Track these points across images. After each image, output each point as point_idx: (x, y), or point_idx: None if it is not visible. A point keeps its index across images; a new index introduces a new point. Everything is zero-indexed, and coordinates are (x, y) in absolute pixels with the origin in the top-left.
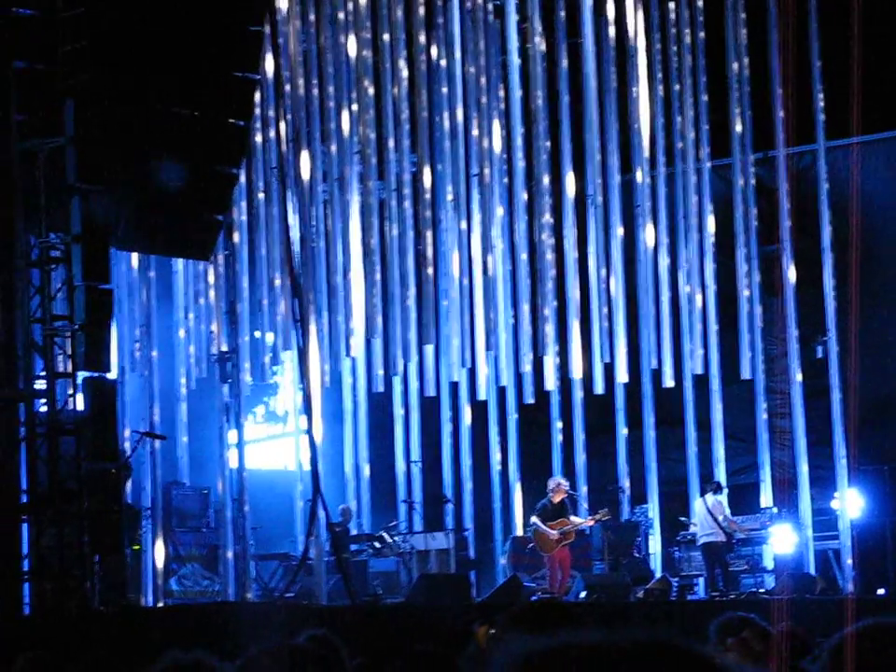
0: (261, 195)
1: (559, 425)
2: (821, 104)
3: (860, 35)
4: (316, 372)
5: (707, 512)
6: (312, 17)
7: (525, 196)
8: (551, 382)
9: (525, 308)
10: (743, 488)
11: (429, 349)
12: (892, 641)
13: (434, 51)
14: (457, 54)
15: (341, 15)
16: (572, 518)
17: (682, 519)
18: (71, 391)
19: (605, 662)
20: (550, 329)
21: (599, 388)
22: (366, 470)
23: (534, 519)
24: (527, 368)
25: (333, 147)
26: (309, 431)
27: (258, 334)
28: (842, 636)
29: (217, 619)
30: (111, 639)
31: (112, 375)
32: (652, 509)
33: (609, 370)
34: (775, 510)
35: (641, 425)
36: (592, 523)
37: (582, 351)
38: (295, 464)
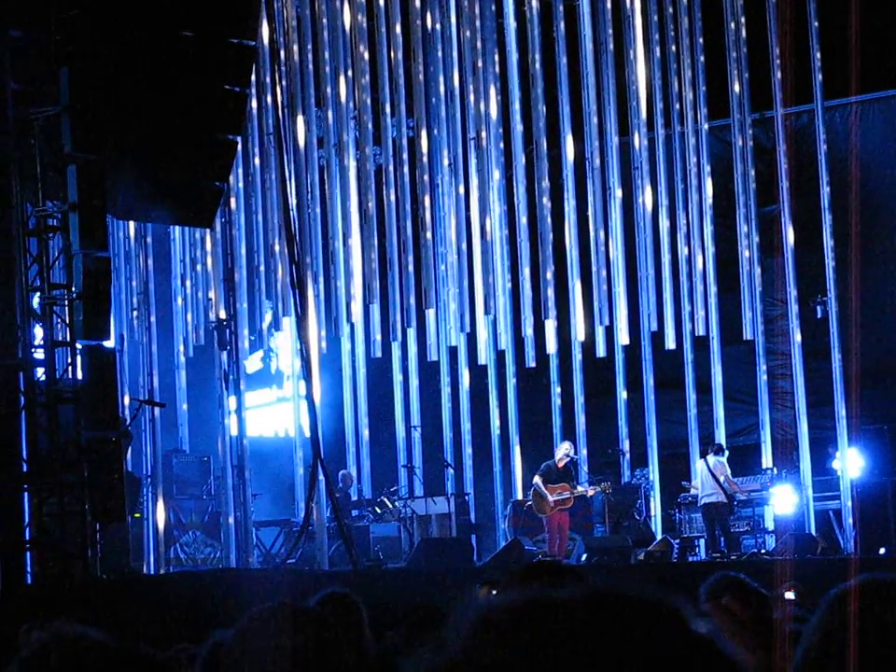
0: (257, 161)
1: (558, 389)
2: (819, 63)
3: None
4: (315, 338)
5: (708, 473)
6: None
7: (523, 159)
8: (551, 345)
9: (526, 272)
10: (743, 449)
11: (429, 314)
12: (888, 597)
13: (429, 15)
14: (453, 18)
15: None
16: (577, 487)
17: (683, 483)
18: (70, 359)
19: (562, 616)
20: (550, 293)
21: (601, 351)
22: (366, 436)
23: (536, 479)
24: (529, 332)
25: (329, 113)
26: (309, 397)
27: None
28: (837, 592)
29: (220, 586)
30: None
31: (110, 343)
32: (653, 471)
33: (610, 332)
34: (775, 470)
35: (641, 387)
36: (592, 493)
37: (583, 314)
38: (295, 430)
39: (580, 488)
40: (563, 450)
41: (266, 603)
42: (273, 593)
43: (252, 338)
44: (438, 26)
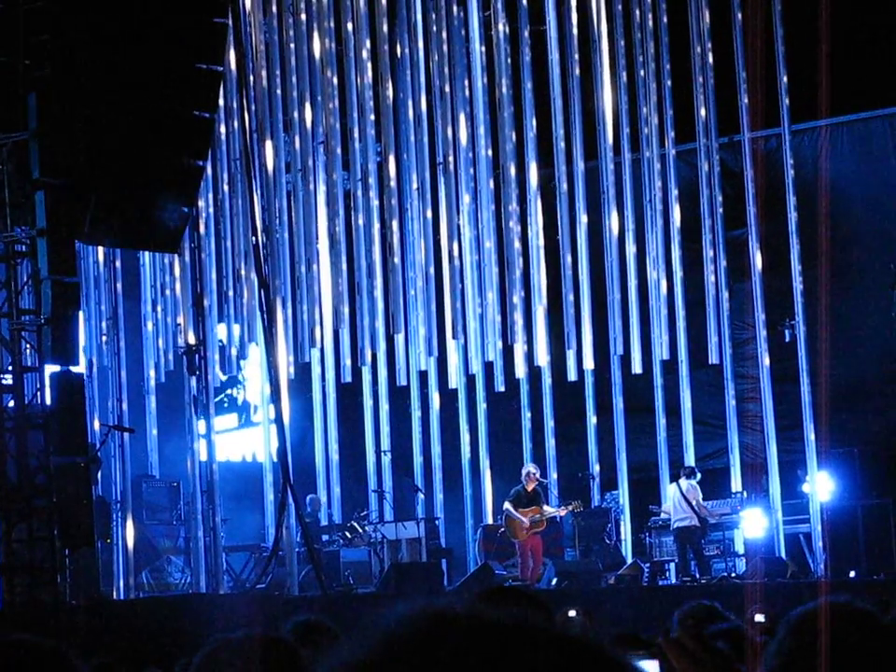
0: (226, 186)
1: (528, 413)
2: (785, 87)
3: (827, 20)
4: (284, 363)
5: (681, 496)
6: (274, 8)
7: (490, 184)
8: (521, 369)
9: (491, 296)
10: (713, 473)
11: (398, 338)
12: (846, 619)
13: (397, 41)
14: (420, 43)
15: (303, 5)
16: (545, 507)
17: (652, 508)
18: (39, 385)
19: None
20: (518, 317)
21: (572, 375)
22: (335, 460)
23: (506, 505)
24: (492, 357)
25: (297, 138)
26: (279, 422)
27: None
28: (795, 615)
29: (190, 611)
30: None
31: (79, 369)
32: (623, 495)
33: (578, 357)
34: (745, 494)
35: (610, 411)
36: (564, 513)
37: (552, 338)
38: (264, 455)
39: (549, 509)
40: (525, 471)
41: (235, 629)
42: (244, 618)
43: (227, 376)
44: (406, 51)
